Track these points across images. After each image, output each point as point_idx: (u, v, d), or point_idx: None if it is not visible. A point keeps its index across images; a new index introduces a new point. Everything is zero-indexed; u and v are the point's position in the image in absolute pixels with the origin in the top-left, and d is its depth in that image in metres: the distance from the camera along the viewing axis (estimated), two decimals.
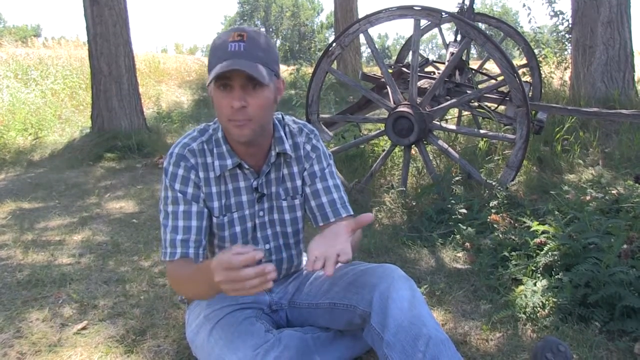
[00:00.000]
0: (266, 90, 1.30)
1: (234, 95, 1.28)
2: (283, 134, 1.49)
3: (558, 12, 5.87)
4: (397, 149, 3.79)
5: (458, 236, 2.61)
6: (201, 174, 1.42)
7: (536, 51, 5.42)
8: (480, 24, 4.82)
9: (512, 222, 2.56)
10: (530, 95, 3.97)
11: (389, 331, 1.24)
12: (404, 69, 3.64)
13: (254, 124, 1.32)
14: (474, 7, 4.43)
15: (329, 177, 1.53)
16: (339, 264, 1.18)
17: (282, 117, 1.54)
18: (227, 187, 1.46)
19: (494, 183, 2.97)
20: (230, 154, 1.43)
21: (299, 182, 1.53)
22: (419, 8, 3.08)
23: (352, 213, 1.53)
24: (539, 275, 2.06)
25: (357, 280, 1.38)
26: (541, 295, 1.90)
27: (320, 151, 1.54)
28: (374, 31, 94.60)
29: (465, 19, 3.30)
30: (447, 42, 4.40)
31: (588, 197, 2.60)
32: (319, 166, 1.53)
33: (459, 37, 4.27)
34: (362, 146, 4.04)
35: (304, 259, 1.69)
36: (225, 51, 1.27)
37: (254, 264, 1.03)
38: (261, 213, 1.50)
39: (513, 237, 2.36)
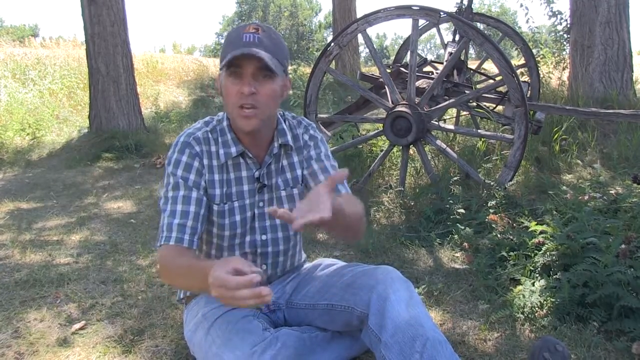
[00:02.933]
0: (275, 81, 1.34)
1: (244, 82, 1.32)
2: (285, 127, 1.52)
3: (556, 12, 5.88)
4: (395, 149, 3.79)
5: (456, 236, 2.61)
6: (205, 161, 1.45)
7: (534, 51, 5.43)
8: (478, 24, 4.82)
9: (510, 222, 2.57)
10: (528, 95, 3.98)
11: (386, 332, 1.24)
12: (402, 69, 3.65)
13: (260, 113, 1.35)
14: (472, 6, 4.43)
15: (325, 159, 1.55)
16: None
17: (283, 113, 1.57)
18: (230, 175, 1.48)
19: (492, 183, 2.97)
20: (235, 142, 1.45)
21: (299, 172, 1.55)
22: (417, 8, 3.08)
23: (350, 192, 1.51)
24: (537, 275, 2.06)
25: (355, 281, 1.39)
26: (539, 295, 1.90)
27: (317, 139, 1.57)
28: (372, 31, 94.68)
29: (464, 18, 3.30)
30: (446, 42, 4.41)
31: (586, 197, 2.60)
32: (316, 151, 1.55)
33: (457, 37, 4.27)
34: (360, 146, 4.04)
35: (301, 256, 1.70)
36: (239, 41, 1.32)
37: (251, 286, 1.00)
38: (261, 204, 1.51)
39: (511, 237, 2.37)
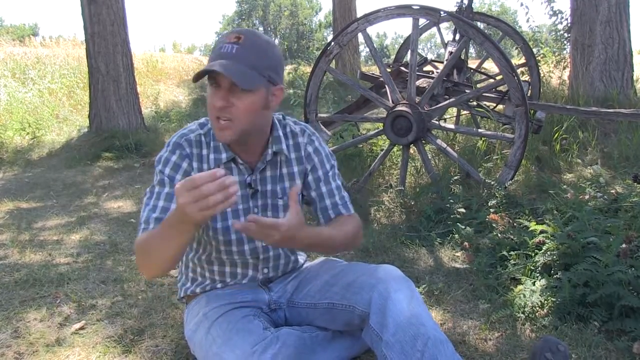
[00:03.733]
0: (254, 95, 1.30)
1: (219, 94, 1.29)
2: (281, 134, 1.50)
3: (557, 11, 5.87)
4: (395, 148, 3.79)
5: (457, 236, 2.60)
6: (195, 164, 1.44)
7: (535, 50, 5.42)
8: (478, 23, 4.81)
9: (510, 221, 2.56)
10: (528, 95, 3.97)
11: (387, 331, 1.24)
12: (403, 68, 3.64)
13: (235, 126, 1.32)
14: (472, 6, 4.42)
15: (332, 179, 1.56)
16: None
17: (283, 117, 1.55)
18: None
19: (492, 182, 2.97)
20: (225, 148, 1.44)
21: (298, 182, 1.54)
22: (418, 7, 3.08)
23: (352, 212, 1.57)
24: (538, 274, 2.06)
25: (356, 280, 1.38)
26: (540, 295, 1.90)
27: (322, 155, 1.56)
28: (373, 30, 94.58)
29: (464, 18, 3.30)
30: (446, 41, 4.40)
31: (587, 197, 2.60)
32: (323, 170, 1.55)
33: (457, 36, 4.27)
34: (361, 145, 4.03)
35: (301, 257, 1.70)
36: (218, 52, 1.29)
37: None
38: (255, 210, 1.50)
39: (512, 236, 2.36)
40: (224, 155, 1.44)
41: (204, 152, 1.45)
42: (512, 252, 2.23)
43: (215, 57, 1.28)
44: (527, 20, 6.44)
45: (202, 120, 1.51)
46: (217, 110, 1.30)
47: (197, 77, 1.29)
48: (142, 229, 1.37)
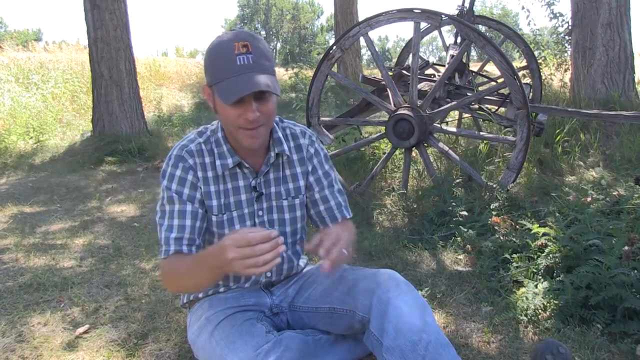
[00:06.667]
0: (273, 96, 1.33)
1: (247, 108, 1.29)
2: (281, 135, 1.51)
3: (558, 14, 5.86)
4: (397, 152, 3.80)
5: (459, 238, 2.61)
6: (199, 174, 1.45)
7: (536, 53, 5.42)
8: (480, 26, 4.82)
9: (513, 224, 2.56)
10: (530, 97, 3.98)
11: (388, 336, 1.25)
12: (404, 71, 3.65)
13: (264, 129, 1.36)
14: (473, 9, 4.43)
15: (334, 182, 1.60)
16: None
17: (280, 120, 1.56)
18: (227, 185, 1.48)
19: (494, 185, 2.97)
20: (231, 153, 1.45)
21: (302, 183, 1.56)
22: (419, 11, 3.09)
23: (351, 215, 1.62)
24: (540, 277, 2.06)
25: (357, 285, 1.39)
26: (542, 298, 1.90)
27: (321, 156, 1.59)
28: (374, 34, 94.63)
29: (465, 21, 3.31)
30: (447, 45, 4.41)
31: (589, 199, 2.60)
32: (322, 170, 1.58)
33: (459, 40, 4.28)
34: (363, 149, 4.04)
35: (303, 260, 1.70)
36: (233, 65, 1.27)
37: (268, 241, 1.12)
38: (260, 212, 1.51)
39: (514, 239, 2.37)
40: (230, 161, 1.45)
41: (207, 160, 1.46)
42: (514, 255, 2.23)
43: (233, 70, 1.26)
44: (528, 23, 6.41)
45: (201, 128, 1.52)
46: (250, 122, 1.30)
47: (239, 99, 1.26)
48: (163, 251, 1.41)
